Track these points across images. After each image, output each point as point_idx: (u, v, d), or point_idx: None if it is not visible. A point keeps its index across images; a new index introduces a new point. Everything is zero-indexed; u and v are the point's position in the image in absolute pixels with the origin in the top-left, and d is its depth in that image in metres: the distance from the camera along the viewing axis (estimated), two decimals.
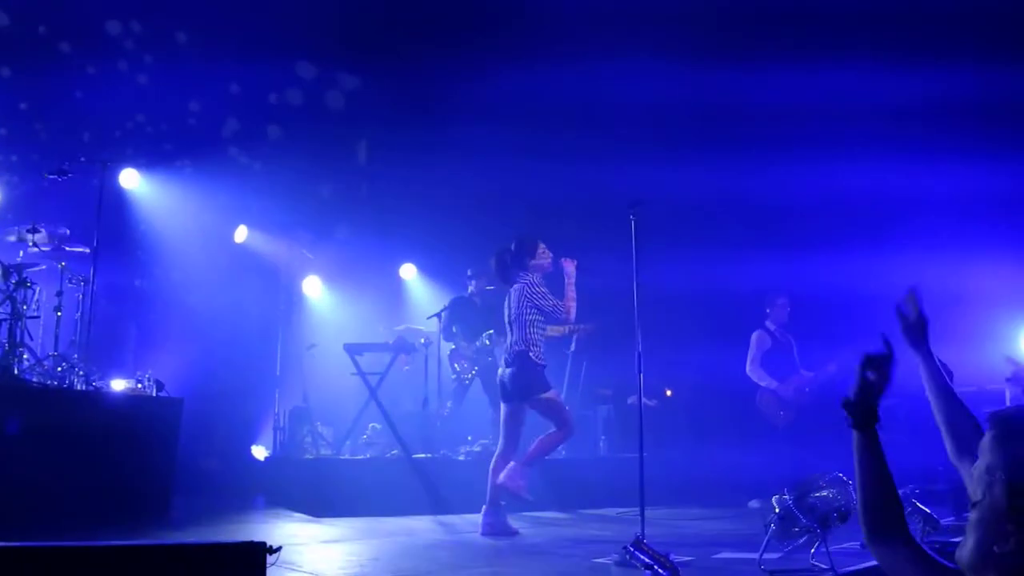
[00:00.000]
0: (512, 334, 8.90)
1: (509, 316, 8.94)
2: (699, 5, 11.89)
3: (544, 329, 8.92)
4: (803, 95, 11.58)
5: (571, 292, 8.82)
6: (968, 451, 3.05)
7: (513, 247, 8.96)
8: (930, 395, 3.48)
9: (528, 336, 8.77)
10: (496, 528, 8.66)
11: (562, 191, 12.99)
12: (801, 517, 6.61)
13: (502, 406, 9.05)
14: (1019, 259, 10.57)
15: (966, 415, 3.39)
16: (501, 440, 9.03)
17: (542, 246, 8.95)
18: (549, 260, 8.95)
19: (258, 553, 3.60)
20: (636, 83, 12.22)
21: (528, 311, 8.78)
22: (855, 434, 2.95)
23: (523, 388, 8.82)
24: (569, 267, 8.86)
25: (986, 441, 2.58)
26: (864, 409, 2.90)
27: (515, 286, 8.91)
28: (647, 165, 11.84)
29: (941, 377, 3.50)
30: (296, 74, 13.06)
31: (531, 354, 8.73)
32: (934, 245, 10.68)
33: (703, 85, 11.80)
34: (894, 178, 11.64)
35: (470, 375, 12.00)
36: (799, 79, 11.44)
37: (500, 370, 9.12)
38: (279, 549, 3.65)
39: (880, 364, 2.90)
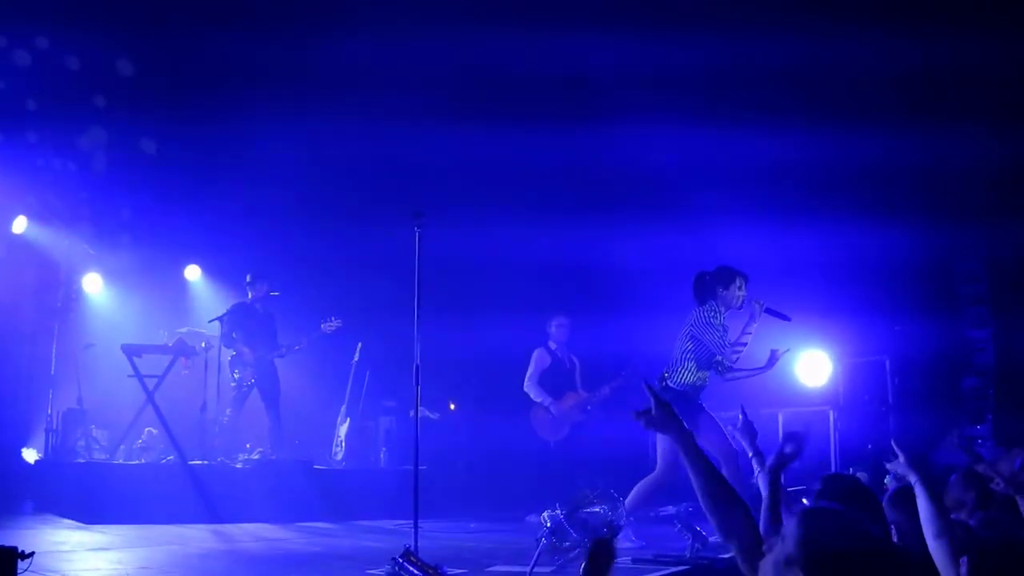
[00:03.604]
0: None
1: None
2: None
3: (693, 361, 8.52)
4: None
5: (744, 337, 8.53)
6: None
7: (713, 272, 8.70)
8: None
9: (676, 361, 8.56)
10: None
11: (349, 192, 13.02)
12: (572, 531, 6.80)
13: None
14: (798, 284, 11.05)
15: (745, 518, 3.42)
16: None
17: (739, 281, 8.59)
18: (740, 298, 8.58)
19: (8, 559, 3.50)
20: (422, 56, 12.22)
21: (687, 338, 8.57)
22: None
23: None
24: (756, 311, 8.53)
25: (791, 533, 2.70)
26: None
27: (694, 310, 8.68)
28: (435, 139, 12.02)
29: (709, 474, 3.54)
30: (69, 55, 12.55)
31: (669, 381, 8.52)
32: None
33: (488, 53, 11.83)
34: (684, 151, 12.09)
35: (249, 382, 11.85)
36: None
37: None
38: (31, 555, 3.57)
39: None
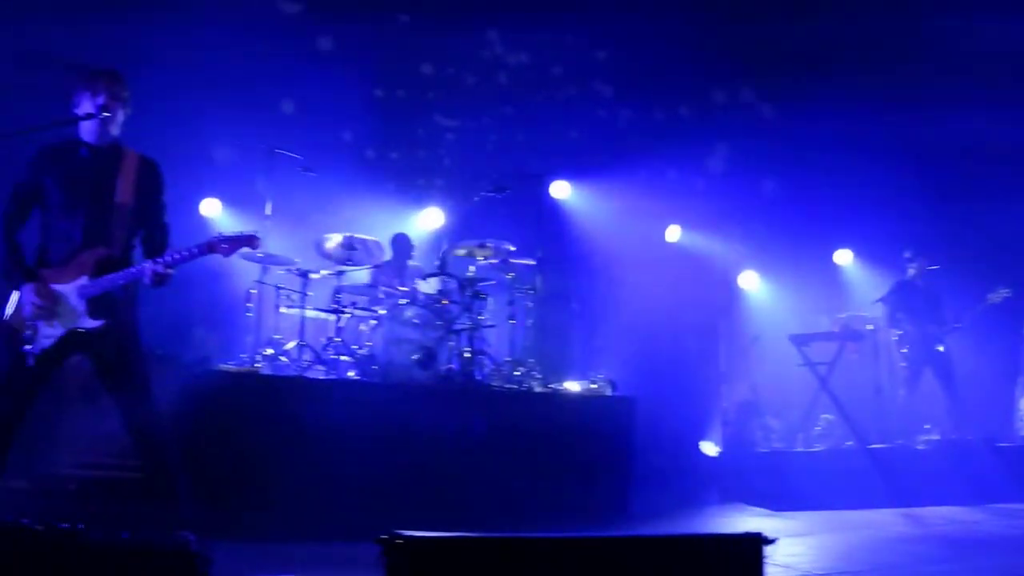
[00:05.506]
0: None
1: None
2: None
3: None
4: None
5: None
6: None
7: None
8: None
9: None
10: None
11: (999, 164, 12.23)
12: None
13: None
14: None
15: None
16: None
17: None
18: None
19: (755, 545, 3.58)
20: None
21: None
22: None
23: None
24: None
25: None
26: None
27: None
28: None
29: None
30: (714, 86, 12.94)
31: None
32: None
33: None
34: None
35: (919, 361, 11.53)
36: None
37: None
38: (774, 540, 3.60)
39: None
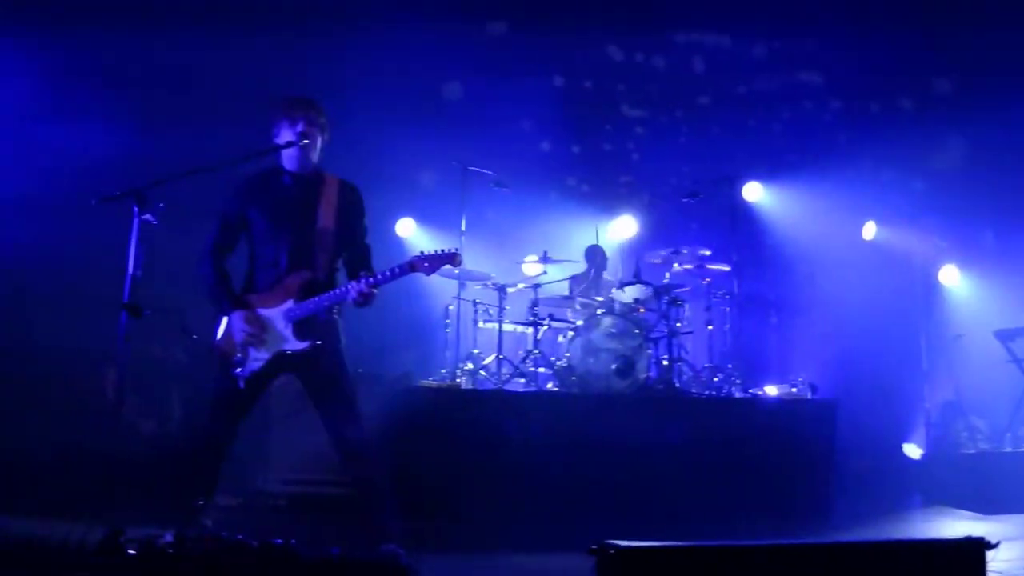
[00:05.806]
0: None
1: None
2: None
3: None
4: None
5: None
6: None
7: None
8: None
9: None
10: None
11: None
12: None
13: None
14: None
15: None
16: None
17: None
18: None
19: (977, 550, 3.61)
20: None
21: None
22: None
23: None
24: None
25: None
26: None
27: None
28: None
29: None
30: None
31: None
32: None
33: None
34: None
35: None
36: None
37: None
38: (997, 544, 3.62)
39: None
